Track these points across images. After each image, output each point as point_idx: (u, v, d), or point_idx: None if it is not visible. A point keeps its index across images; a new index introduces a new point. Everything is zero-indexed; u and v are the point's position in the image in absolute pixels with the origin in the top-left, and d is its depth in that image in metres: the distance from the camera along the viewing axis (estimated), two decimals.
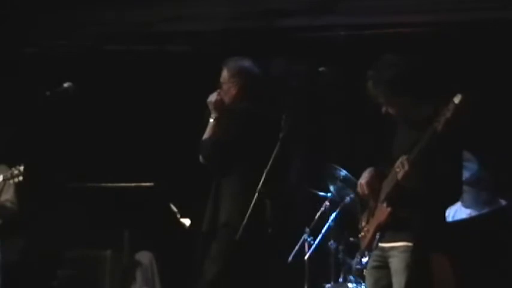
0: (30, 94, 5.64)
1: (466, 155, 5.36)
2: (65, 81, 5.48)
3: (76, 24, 6.96)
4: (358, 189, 4.14)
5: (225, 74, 4.77)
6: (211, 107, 4.74)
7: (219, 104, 4.72)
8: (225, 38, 6.72)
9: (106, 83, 6.83)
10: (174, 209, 5.52)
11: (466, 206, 5.69)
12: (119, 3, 6.86)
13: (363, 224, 4.18)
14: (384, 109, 4.03)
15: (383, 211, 3.98)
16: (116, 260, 6.23)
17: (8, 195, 5.71)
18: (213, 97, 4.74)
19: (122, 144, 6.79)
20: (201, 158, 4.77)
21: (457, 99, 3.66)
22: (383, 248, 4.03)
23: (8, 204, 5.74)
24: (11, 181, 5.51)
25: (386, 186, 4.00)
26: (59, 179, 6.33)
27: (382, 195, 4.02)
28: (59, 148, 6.51)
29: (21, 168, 5.46)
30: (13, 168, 5.51)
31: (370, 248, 4.13)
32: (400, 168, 3.83)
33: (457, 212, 5.70)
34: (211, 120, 4.75)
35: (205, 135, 4.75)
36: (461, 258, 5.01)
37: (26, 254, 6.12)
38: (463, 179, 5.57)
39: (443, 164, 3.85)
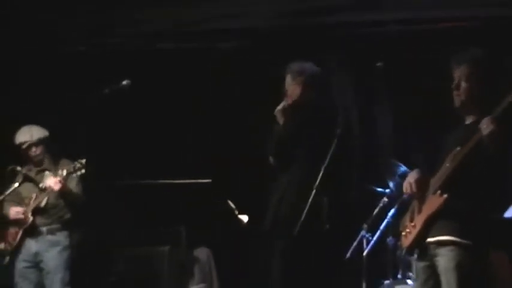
0: (87, 91, 5.71)
1: None
2: (117, 80, 5.54)
3: (127, 23, 7.01)
4: (406, 188, 4.01)
5: (288, 78, 4.92)
6: (279, 115, 4.87)
7: (286, 110, 4.85)
8: (274, 35, 6.71)
9: (158, 81, 6.87)
10: (232, 205, 5.53)
11: None
12: (168, 2, 6.89)
13: (406, 223, 4.04)
14: (454, 85, 3.90)
15: (435, 201, 3.84)
16: (174, 256, 6.28)
17: (71, 186, 5.76)
18: (280, 106, 4.87)
19: (179, 140, 6.82)
20: (270, 158, 4.91)
21: None
22: (428, 245, 3.89)
23: (76, 190, 5.80)
24: (74, 174, 5.64)
25: (437, 181, 3.89)
26: (116, 176, 6.39)
27: (432, 189, 3.89)
28: (117, 145, 6.56)
29: (83, 161, 5.59)
30: (75, 162, 5.64)
31: (414, 247, 3.95)
32: (486, 126, 3.65)
33: None
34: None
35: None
36: None
37: (81, 249, 6.15)
38: None
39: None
